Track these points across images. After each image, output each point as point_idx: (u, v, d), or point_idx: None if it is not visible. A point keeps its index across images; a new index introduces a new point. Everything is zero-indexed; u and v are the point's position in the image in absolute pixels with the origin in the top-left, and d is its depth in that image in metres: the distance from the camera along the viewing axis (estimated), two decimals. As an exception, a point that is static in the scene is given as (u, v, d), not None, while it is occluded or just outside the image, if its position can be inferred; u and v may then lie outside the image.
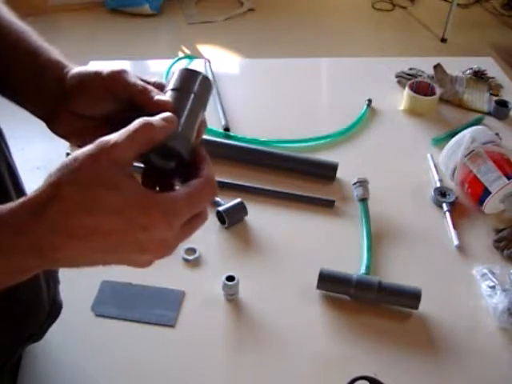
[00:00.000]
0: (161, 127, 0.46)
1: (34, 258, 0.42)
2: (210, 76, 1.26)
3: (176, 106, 0.50)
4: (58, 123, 0.57)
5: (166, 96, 0.51)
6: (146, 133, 0.44)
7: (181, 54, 2.71)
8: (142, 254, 0.44)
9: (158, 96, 0.50)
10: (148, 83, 0.54)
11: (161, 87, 0.53)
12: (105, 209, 0.41)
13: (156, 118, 0.46)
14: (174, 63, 1.29)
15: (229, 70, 1.36)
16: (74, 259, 0.44)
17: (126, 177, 0.43)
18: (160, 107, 0.49)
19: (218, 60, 1.32)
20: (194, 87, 0.52)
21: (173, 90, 0.51)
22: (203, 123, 0.54)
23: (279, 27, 3.18)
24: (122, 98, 0.53)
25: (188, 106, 0.51)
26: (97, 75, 0.53)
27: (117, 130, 0.46)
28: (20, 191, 0.64)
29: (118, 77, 0.53)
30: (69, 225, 0.41)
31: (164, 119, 0.46)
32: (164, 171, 0.51)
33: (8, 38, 0.58)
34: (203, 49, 2.96)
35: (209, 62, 1.30)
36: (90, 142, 0.45)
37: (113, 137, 0.44)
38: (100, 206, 0.41)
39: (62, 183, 0.42)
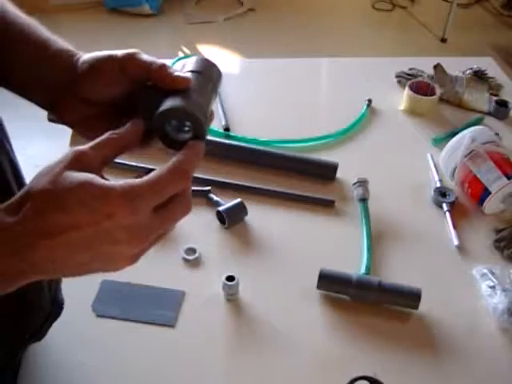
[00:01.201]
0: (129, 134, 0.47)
1: (13, 259, 0.42)
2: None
3: (196, 86, 0.50)
4: (65, 111, 0.56)
5: (186, 75, 0.50)
6: (113, 143, 0.47)
7: (181, 54, 2.71)
8: (115, 245, 0.43)
9: (178, 73, 0.50)
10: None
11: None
12: (72, 204, 0.42)
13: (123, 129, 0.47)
14: (174, 63, 1.29)
15: (229, 69, 1.36)
16: (52, 261, 0.43)
17: (90, 177, 0.44)
18: (180, 83, 0.49)
19: (217, 60, 1.31)
20: (213, 76, 0.53)
21: (193, 72, 0.51)
22: (212, 114, 0.55)
23: (279, 27, 3.18)
24: (136, 79, 0.52)
25: (208, 90, 0.51)
26: (111, 57, 0.53)
27: (124, 115, 0.48)
28: (22, 186, 0.64)
29: (134, 56, 0.52)
30: (41, 223, 0.42)
31: (132, 124, 0.47)
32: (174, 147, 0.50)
33: (15, 30, 0.58)
34: (203, 49, 2.96)
35: (209, 61, 1.30)
36: (96, 129, 0.47)
37: (83, 147, 0.45)
38: (67, 203, 0.42)
39: (33, 187, 0.43)
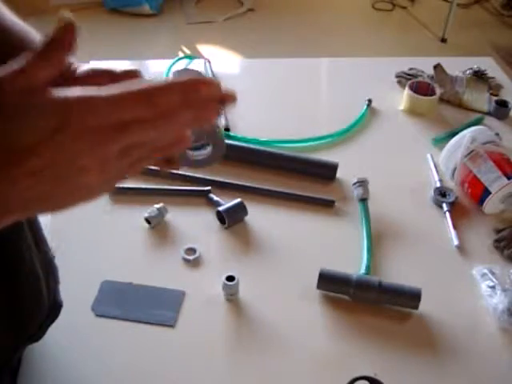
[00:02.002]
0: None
1: None
2: (210, 76, 1.26)
3: None
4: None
5: None
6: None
7: (181, 54, 2.71)
8: (73, 160, 0.38)
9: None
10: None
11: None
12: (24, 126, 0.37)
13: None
14: (173, 63, 1.29)
15: (229, 69, 1.36)
16: (12, 186, 0.38)
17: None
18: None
19: (218, 60, 1.32)
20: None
21: None
22: None
23: (279, 27, 3.18)
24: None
25: None
26: (107, 72, 0.50)
27: None
28: None
29: (134, 76, 0.49)
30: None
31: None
32: None
33: (12, 39, 0.58)
34: (203, 49, 2.96)
35: (209, 62, 1.30)
36: None
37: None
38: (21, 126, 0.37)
39: None
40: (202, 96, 0.41)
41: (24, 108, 0.37)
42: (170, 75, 0.53)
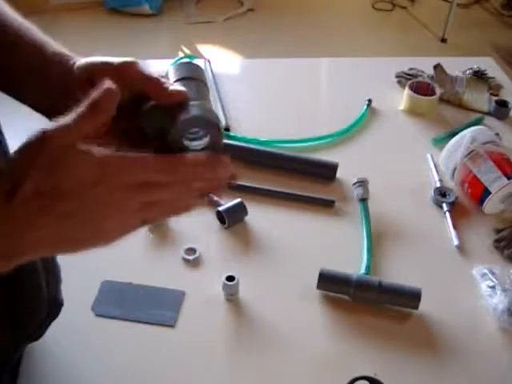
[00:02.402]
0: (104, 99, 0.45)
1: (12, 238, 0.43)
2: (210, 76, 1.26)
3: (195, 93, 0.50)
4: (61, 116, 0.56)
5: (178, 86, 0.51)
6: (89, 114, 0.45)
7: (181, 54, 2.71)
8: (102, 209, 0.44)
9: (173, 86, 0.51)
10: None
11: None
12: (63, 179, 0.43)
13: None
14: (173, 63, 1.29)
15: (229, 69, 1.36)
16: (34, 223, 0.43)
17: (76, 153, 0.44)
18: (175, 97, 0.50)
19: (218, 60, 1.32)
20: (200, 75, 0.53)
21: (183, 79, 0.52)
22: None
23: (279, 27, 3.18)
24: (130, 89, 0.52)
25: (204, 92, 0.52)
26: (107, 65, 0.52)
27: (120, 123, 0.49)
28: None
29: (131, 66, 0.52)
30: (36, 201, 0.42)
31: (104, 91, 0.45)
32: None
33: (11, 32, 0.58)
34: (203, 49, 2.96)
35: (209, 61, 1.30)
36: (90, 135, 0.46)
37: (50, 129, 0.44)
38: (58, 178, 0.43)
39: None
40: (217, 175, 0.49)
41: (65, 159, 0.43)
42: (169, 69, 0.53)
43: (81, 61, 0.56)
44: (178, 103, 0.49)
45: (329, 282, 0.82)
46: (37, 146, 0.43)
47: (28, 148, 0.43)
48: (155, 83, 0.51)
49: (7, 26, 0.58)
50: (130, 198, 0.45)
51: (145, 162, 0.45)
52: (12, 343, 0.66)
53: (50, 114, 0.56)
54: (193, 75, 0.53)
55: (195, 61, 1.33)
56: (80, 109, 0.44)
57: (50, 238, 0.44)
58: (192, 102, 0.49)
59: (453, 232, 0.92)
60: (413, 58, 1.39)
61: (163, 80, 0.51)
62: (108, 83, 0.45)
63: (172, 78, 0.53)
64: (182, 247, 0.87)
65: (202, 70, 0.55)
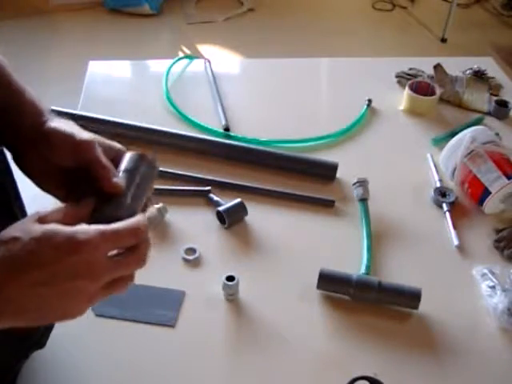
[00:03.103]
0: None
1: None
2: (210, 76, 1.26)
3: (126, 185, 0.57)
4: (25, 161, 0.61)
5: (120, 178, 0.58)
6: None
7: (181, 54, 2.71)
8: (75, 279, 0.48)
9: (116, 179, 0.58)
10: (113, 148, 0.61)
11: (121, 153, 0.61)
12: (38, 246, 0.48)
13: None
14: (173, 63, 1.29)
15: (229, 69, 1.36)
16: (20, 297, 0.47)
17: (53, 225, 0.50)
18: (113, 189, 0.57)
19: (218, 60, 1.32)
20: (141, 170, 0.60)
21: (124, 171, 0.59)
22: (149, 200, 0.61)
23: (279, 27, 3.18)
24: (83, 164, 0.58)
25: (135, 183, 0.59)
26: (69, 138, 0.59)
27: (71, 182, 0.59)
28: (22, 208, 0.70)
29: (89, 147, 0.58)
30: (10, 265, 0.47)
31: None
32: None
33: None
34: (203, 49, 2.96)
35: (209, 61, 1.30)
36: (50, 185, 0.59)
37: (45, 211, 0.52)
38: (34, 246, 0.48)
39: (4, 234, 0.48)
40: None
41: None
42: (125, 156, 0.60)
43: (51, 124, 0.61)
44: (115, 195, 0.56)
45: (329, 282, 0.82)
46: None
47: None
48: (103, 169, 0.58)
49: None
50: (103, 265, 0.50)
51: (115, 237, 0.51)
52: (15, 355, 0.67)
53: (17, 158, 0.62)
54: (137, 168, 0.60)
55: (195, 61, 1.33)
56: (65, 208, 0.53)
57: (21, 296, 0.47)
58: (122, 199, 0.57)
59: (453, 232, 0.92)
60: (413, 58, 1.39)
61: (110, 168, 0.58)
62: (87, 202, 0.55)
63: (123, 165, 0.59)
64: (182, 247, 0.87)
65: (150, 164, 0.61)
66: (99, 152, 0.58)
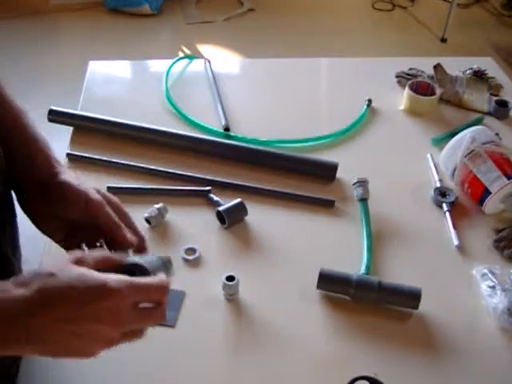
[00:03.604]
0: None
1: (14, 326, 0.50)
2: (210, 76, 1.26)
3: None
4: (30, 205, 0.66)
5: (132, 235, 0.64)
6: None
7: (181, 54, 2.71)
8: (98, 323, 0.52)
9: (129, 234, 0.64)
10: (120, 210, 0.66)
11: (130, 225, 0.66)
12: (71, 286, 0.51)
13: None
14: (173, 63, 1.29)
15: (229, 69, 1.36)
16: (45, 331, 0.50)
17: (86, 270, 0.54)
18: (128, 243, 0.63)
19: (217, 60, 1.32)
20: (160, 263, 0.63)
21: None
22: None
23: (279, 27, 3.18)
24: (91, 219, 0.63)
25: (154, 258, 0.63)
26: (83, 195, 0.63)
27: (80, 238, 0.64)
28: (18, 253, 0.76)
29: (99, 207, 0.63)
30: (43, 300, 0.50)
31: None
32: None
33: (9, 117, 0.67)
34: (203, 49, 2.96)
35: (209, 61, 1.30)
36: (51, 228, 0.64)
37: (83, 254, 0.56)
38: (68, 285, 0.51)
39: (42, 270, 0.52)
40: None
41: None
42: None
43: (62, 177, 0.65)
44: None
45: (329, 282, 0.82)
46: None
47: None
48: (116, 226, 0.63)
49: (4, 109, 0.67)
50: (126, 315, 0.54)
51: (144, 290, 0.55)
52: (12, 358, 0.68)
53: (21, 200, 0.67)
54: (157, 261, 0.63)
55: (195, 61, 1.33)
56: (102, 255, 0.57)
57: (46, 331, 0.51)
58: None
59: (453, 232, 0.92)
60: (413, 58, 1.39)
61: (122, 226, 0.64)
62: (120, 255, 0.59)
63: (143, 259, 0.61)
64: (182, 247, 0.87)
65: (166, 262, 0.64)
66: (111, 210, 0.64)
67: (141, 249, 0.66)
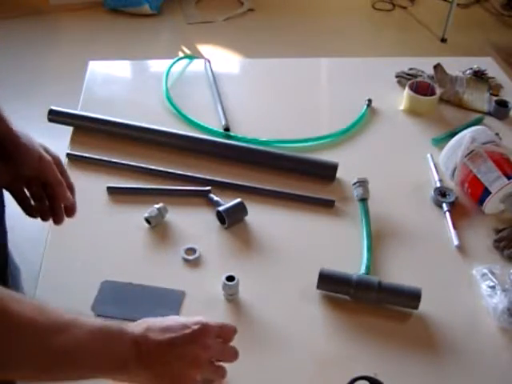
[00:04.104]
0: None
1: (124, 371, 0.61)
2: (210, 76, 1.26)
3: None
4: None
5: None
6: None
7: (181, 54, 2.71)
8: (205, 350, 0.64)
9: (68, 193, 0.78)
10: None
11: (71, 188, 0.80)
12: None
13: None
14: (173, 63, 1.29)
15: (229, 69, 1.36)
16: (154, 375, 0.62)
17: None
18: (65, 200, 0.78)
19: (218, 60, 1.32)
20: None
21: None
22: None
23: (279, 27, 3.18)
24: (43, 178, 0.76)
25: None
26: (35, 156, 0.75)
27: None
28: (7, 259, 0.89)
29: (49, 166, 0.76)
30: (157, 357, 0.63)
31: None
32: None
33: None
34: (203, 49, 2.96)
35: (209, 61, 1.30)
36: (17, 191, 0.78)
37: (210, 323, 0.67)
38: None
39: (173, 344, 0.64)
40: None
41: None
42: None
43: (20, 140, 0.75)
44: None
45: (329, 281, 0.82)
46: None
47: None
48: (59, 183, 0.77)
49: None
50: (215, 345, 0.67)
51: (226, 329, 0.69)
52: None
53: None
54: None
55: (195, 61, 1.33)
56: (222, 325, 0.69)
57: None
58: None
59: (453, 232, 0.92)
60: (413, 58, 1.39)
61: (65, 187, 0.77)
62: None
63: None
64: (182, 247, 0.87)
65: None
66: (55, 168, 0.76)
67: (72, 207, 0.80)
